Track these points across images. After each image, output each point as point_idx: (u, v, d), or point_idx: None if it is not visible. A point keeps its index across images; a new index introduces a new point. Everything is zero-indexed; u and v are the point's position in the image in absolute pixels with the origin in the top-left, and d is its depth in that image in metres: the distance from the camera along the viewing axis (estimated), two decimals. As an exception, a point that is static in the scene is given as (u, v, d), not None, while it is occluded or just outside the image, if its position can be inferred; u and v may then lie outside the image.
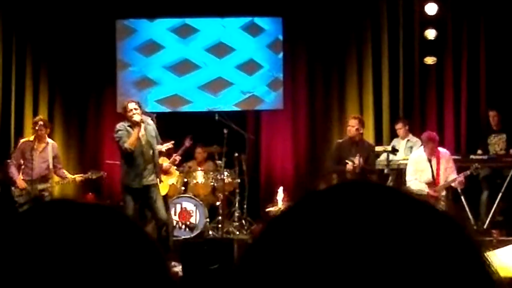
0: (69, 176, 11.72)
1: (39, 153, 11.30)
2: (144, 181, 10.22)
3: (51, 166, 11.41)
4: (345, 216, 0.89)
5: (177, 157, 12.13)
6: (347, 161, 10.93)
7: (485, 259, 0.90)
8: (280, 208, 11.24)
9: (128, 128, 10.11)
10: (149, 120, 10.53)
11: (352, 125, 11.24)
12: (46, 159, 11.36)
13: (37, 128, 11.38)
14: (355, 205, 0.90)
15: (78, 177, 11.73)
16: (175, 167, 12.45)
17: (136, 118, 10.04)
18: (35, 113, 13.70)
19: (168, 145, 10.90)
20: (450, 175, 10.93)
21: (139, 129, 10.08)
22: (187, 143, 12.15)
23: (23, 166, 11.40)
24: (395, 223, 0.88)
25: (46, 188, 11.35)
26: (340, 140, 11.54)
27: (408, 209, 0.90)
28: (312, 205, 0.93)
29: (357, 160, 10.91)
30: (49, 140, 11.66)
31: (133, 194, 10.26)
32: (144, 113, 10.60)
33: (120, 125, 10.24)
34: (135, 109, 10.08)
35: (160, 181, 10.90)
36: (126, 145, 10.06)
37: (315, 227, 0.89)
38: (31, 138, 11.55)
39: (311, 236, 0.88)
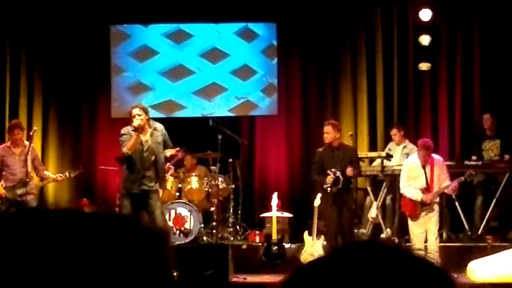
0: (51, 175, 11.62)
1: (18, 157, 11.17)
2: (143, 187, 10.23)
3: (29, 169, 11.23)
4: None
5: (170, 166, 12.15)
6: (328, 172, 10.84)
7: None
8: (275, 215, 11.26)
9: (132, 132, 10.17)
10: (157, 125, 10.52)
11: (327, 132, 11.11)
12: (25, 162, 11.21)
13: (15, 132, 11.28)
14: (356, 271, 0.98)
15: (59, 177, 11.57)
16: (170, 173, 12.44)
17: (135, 123, 10.09)
18: (30, 118, 13.70)
19: (172, 151, 10.83)
20: (443, 181, 10.91)
21: (137, 134, 10.10)
22: (180, 154, 12.19)
23: (4, 173, 11.26)
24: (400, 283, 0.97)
25: (28, 191, 11.16)
26: (320, 149, 11.38)
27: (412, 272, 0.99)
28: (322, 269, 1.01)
29: (348, 172, 10.82)
30: (26, 143, 11.42)
31: (132, 199, 10.27)
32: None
33: (125, 129, 10.32)
34: (138, 114, 10.15)
35: (164, 188, 10.95)
36: (124, 149, 10.11)
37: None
38: (8, 143, 11.42)
39: None
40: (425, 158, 10.81)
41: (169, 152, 10.72)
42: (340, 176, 10.75)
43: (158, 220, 10.29)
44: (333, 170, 10.78)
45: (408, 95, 14.09)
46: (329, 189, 10.77)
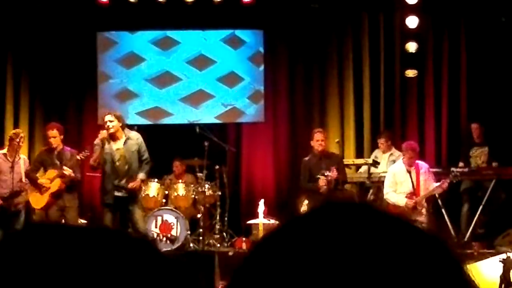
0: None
1: (11, 165, 11.10)
2: (118, 193, 10.26)
3: (23, 179, 11.15)
4: (330, 241, 0.88)
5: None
6: (318, 176, 10.82)
7: (468, 276, 0.90)
8: (261, 222, 11.25)
9: (100, 142, 10.27)
10: (132, 134, 10.50)
11: (321, 139, 11.15)
12: (19, 172, 11.17)
13: (18, 141, 11.18)
14: (340, 228, 0.90)
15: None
16: (156, 180, 12.40)
17: (101, 135, 10.33)
18: (16, 125, 13.63)
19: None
20: (430, 186, 10.92)
21: (101, 147, 10.17)
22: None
23: None
24: (379, 244, 0.88)
25: (21, 201, 11.13)
26: (307, 158, 11.41)
27: (390, 229, 0.91)
28: (294, 230, 0.93)
29: (332, 173, 10.80)
30: (22, 156, 11.46)
31: (109, 206, 10.30)
32: (127, 126, 10.63)
33: (96, 141, 10.41)
34: (110, 121, 10.28)
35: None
36: (90, 160, 10.28)
37: (298, 252, 0.89)
38: (5, 151, 11.37)
39: (295, 261, 0.88)
40: (411, 161, 10.81)
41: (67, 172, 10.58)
42: (331, 174, 10.75)
43: (139, 224, 10.36)
44: (323, 172, 10.79)
45: (395, 102, 14.13)
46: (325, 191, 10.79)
